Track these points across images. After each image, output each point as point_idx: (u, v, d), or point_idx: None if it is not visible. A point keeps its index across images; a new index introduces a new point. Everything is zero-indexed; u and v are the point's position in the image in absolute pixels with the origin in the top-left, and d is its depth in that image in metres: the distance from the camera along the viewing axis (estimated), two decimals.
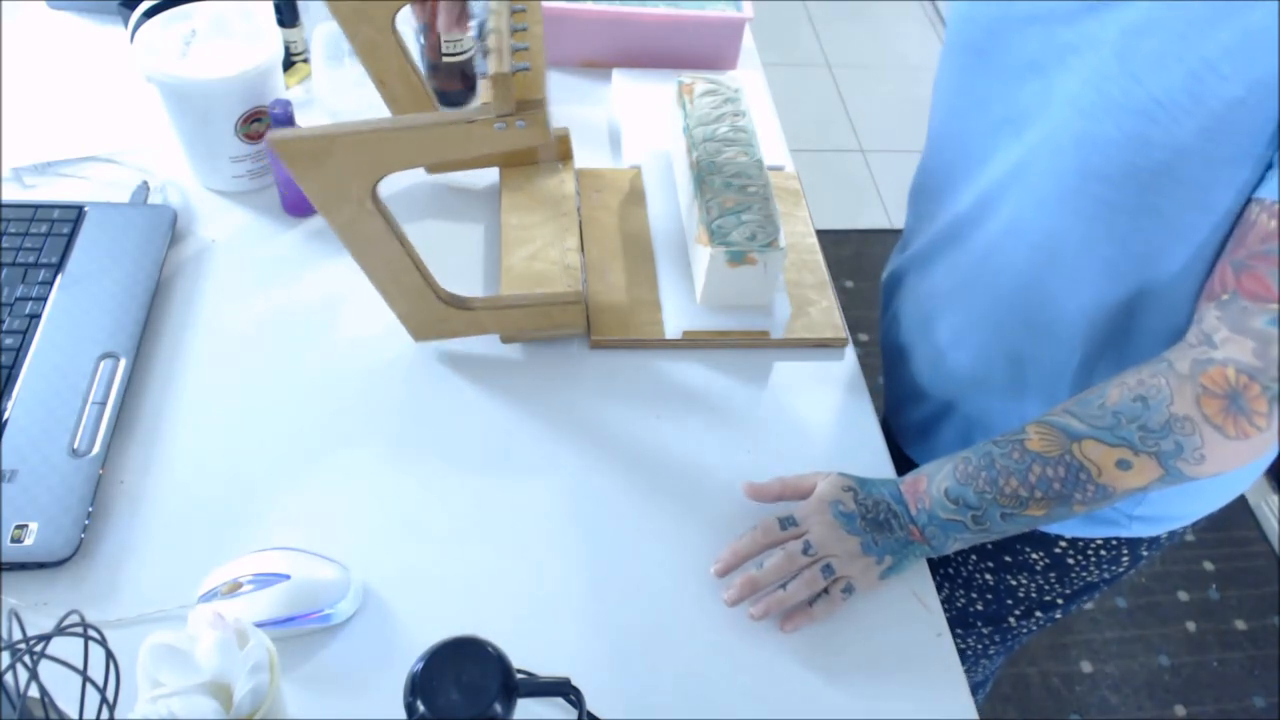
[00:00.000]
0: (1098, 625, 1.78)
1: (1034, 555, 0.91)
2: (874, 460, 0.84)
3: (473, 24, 0.83)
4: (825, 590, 0.71)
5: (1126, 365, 0.67)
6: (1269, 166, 0.59)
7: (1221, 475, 0.81)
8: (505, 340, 0.86)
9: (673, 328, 0.89)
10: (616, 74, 1.12)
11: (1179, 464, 0.64)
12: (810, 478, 0.76)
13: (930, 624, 0.74)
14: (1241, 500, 1.98)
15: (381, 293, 0.80)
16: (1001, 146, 0.73)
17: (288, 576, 0.67)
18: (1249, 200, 0.61)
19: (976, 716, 0.70)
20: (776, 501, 0.76)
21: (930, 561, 0.78)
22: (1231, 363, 0.60)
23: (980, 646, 1.07)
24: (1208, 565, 1.89)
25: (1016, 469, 0.67)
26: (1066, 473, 0.66)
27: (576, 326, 0.86)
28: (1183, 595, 1.84)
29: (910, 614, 0.74)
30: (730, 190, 0.87)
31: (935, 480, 0.71)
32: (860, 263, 2.20)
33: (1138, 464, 0.64)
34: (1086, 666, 1.72)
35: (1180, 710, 1.69)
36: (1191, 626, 1.79)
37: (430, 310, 0.81)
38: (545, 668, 0.66)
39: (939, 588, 1.01)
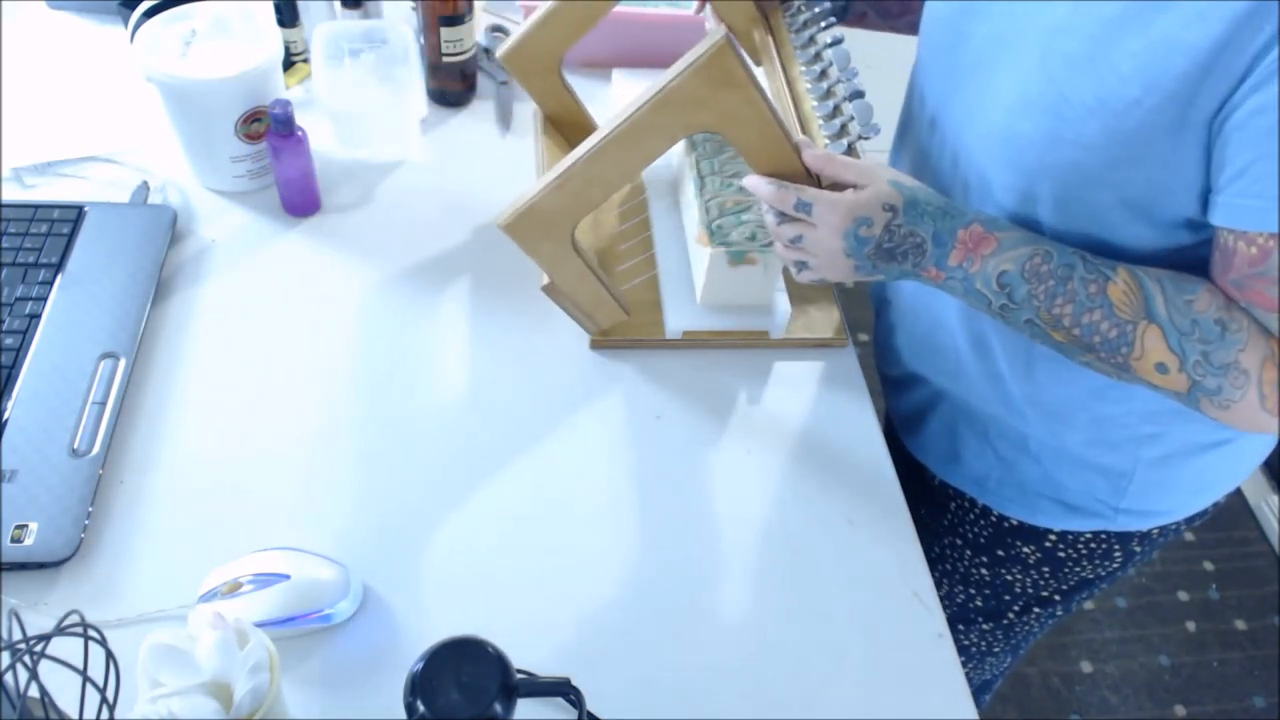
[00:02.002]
0: (1098, 625, 1.78)
1: (1025, 549, 0.92)
2: (874, 460, 0.84)
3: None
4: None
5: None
6: (1166, 168, 0.61)
7: (1202, 471, 0.82)
8: (545, 289, 0.83)
9: (673, 328, 0.89)
10: (616, 74, 1.12)
11: (1204, 399, 0.64)
12: (856, 173, 0.69)
13: (930, 624, 0.74)
14: (1241, 500, 1.98)
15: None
16: (949, 142, 0.75)
17: (288, 576, 0.67)
18: (1215, 226, 0.62)
19: (976, 717, 0.70)
20: (811, 169, 0.72)
21: (928, 558, 0.78)
22: None
23: (984, 644, 1.07)
24: (1208, 565, 1.89)
25: (1082, 300, 0.65)
26: (1117, 336, 0.64)
27: (596, 325, 0.87)
28: (1183, 595, 1.84)
29: (910, 614, 0.74)
30: (730, 190, 0.87)
31: (1001, 254, 0.66)
32: None
33: (1173, 376, 0.64)
34: (1086, 666, 1.72)
35: (1180, 710, 1.69)
36: (1191, 626, 1.79)
37: (555, 204, 0.76)
38: (545, 668, 0.66)
39: (938, 584, 1.01)
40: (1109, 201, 0.65)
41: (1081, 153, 0.63)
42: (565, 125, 0.98)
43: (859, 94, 0.77)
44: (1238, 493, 1.98)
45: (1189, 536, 1.92)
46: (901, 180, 0.69)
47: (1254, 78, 0.55)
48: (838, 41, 0.82)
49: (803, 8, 0.89)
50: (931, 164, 0.78)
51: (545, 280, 0.82)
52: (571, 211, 0.76)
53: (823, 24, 0.85)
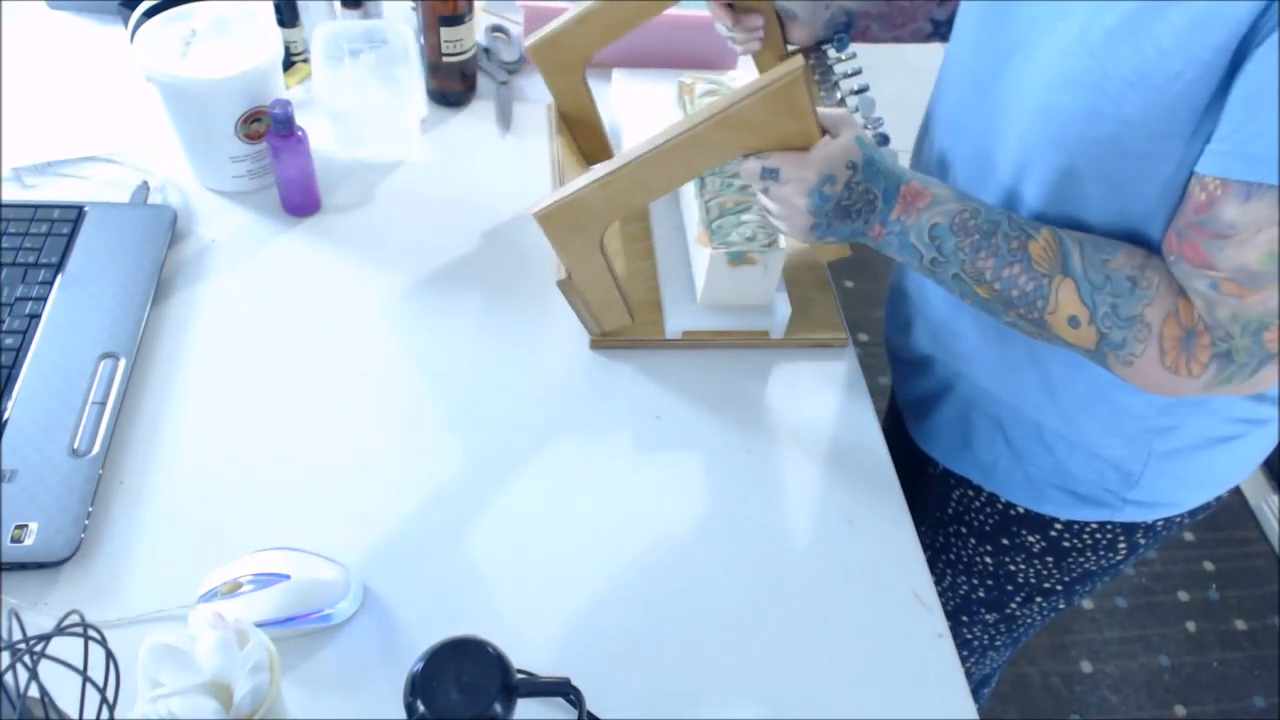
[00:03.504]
0: (1098, 625, 1.78)
1: (1030, 538, 0.92)
2: (874, 460, 0.84)
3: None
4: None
5: None
6: (1206, 141, 0.61)
7: (1211, 465, 0.83)
8: (561, 284, 0.83)
9: (673, 328, 0.89)
10: (616, 74, 1.12)
11: (1110, 354, 0.66)
12: (830, 121, 0.72)
13: (930, 624, 0.74)
14: (1241, 500, 1.98)
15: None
16: (988, 122, 0.75)
17: (288, 576, 0.67)
18: (1191, 173, 0.63)
19: (976, 717, 0.70)
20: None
21: (931, 548, 0.78)
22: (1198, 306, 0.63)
23: (986, 637, 1.07)
24: (1208, 565, 1.89)
25: (1004, 255, 0.68)
26: (1034, 290, 0.67)
27: (600, 327, 0.87)
28: (1183, 595, 1.84)
29: (910, 614, 0.74)
30: (730, 190, 0.87)
31: (934, 208, 0.70)
32: (860, 263, 2.19)
33: (1082, 330, 0.66)
34: (1086, 666, 1.72)
35: (1180, 710, 1.69)
36: (1191, 626, 1.79)
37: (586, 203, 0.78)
38: (545, 668, 0.66)
39: (941, 575, 1.01)
40: (1149, 176, 0.65)
41: (1121, 127, 0.64)
42: (575, 124, 0.98)
43: (884, 139, 0.78)
44: (1238, 492, 1.98)
45: (1189, 536, 1.92)
46: (864, 137, 0.71)
47: (1272, 36, 0.55)
48: (863, 90, 0.83)
49: (829, 54, 0.91)
50: (972, 144, 0.78)
51: (561, 275, 0.82)
52: (610, 210, 0.77)
53: (849, 71, 0.87)
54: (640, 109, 1.08)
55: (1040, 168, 0.70)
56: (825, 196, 0.71)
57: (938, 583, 1.02)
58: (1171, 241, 0.64)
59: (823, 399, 0.88)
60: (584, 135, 0.99)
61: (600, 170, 0.74)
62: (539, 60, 0.93)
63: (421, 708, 0.55)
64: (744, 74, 1.17)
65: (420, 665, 0.56)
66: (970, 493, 0.94)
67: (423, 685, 0.55)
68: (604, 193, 0.75)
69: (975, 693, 1.25)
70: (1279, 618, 1.82)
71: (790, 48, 0.93)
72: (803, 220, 0.73)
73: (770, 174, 0.72)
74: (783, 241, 0.85)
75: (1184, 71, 0.59)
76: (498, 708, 0.55)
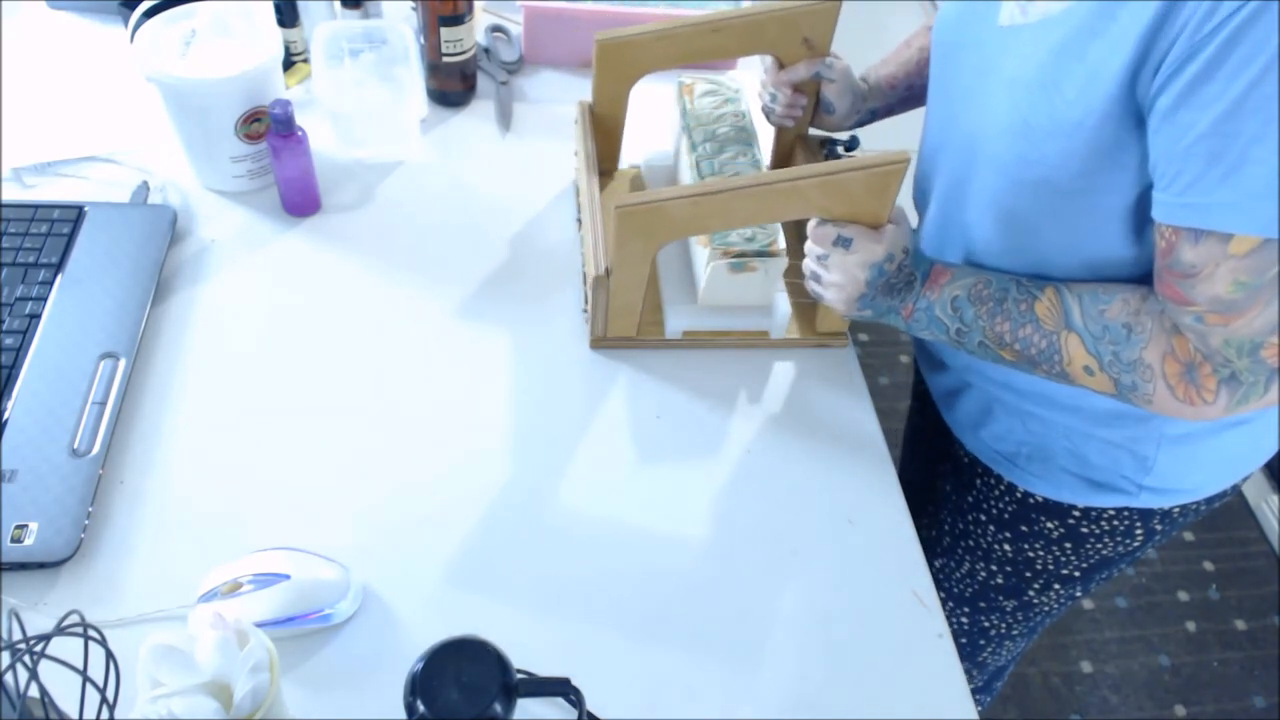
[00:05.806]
0: (1098, 625, 1.78)
1: (1049, 524, 0.93)
2: (874, 460, 0.84)
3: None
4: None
5: None
6: (1134, 171, 0.66)
7: (1225, 449, 0.85)
8: (596, 280, 0.83)
9: (673, 328, 0.89)
10: None
11: (1129, 394, 0.70)
12: (894, 212, 0.78)
13: (930, 624, 0.74)
14: (1241, 500, 1.98)
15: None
16: (952, 167, 0.80)
17: (288, 576, 0.67)
18: (1134, 197, 0.68)
19: (976, 717, 0.70)
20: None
21: (951, 534, 0.79)
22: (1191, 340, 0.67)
23: (1004, 626, 1.08)
24: (1208, 565, 1.89)
25: (1016, 317, 0.73)
26: (1047, 346, 0.72)
27: (605, 330, 0.87)
28: (1183, 595, 1.84)
29: (910, 614, 0.74)
30: None
31: (954, 283, 0.76)
32: None
33: (1098, 377, 0.71)
34: (1086, 666, 1.72)
35: (1180, 710, 1.69)
36: (1191, 626, 1.79)
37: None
38: (545, 668, 0.66)
39: (960, 562, 1.03)
40: (1088, 209, 0.70)
41: (1048, 171, 0.69)
42: (599, 127, 0.98)
43: None
44: (1238, 492, 1.98)
45: (1189, 536, 1.92)
46: (911, 226, 0.79)
47: (1168, 91, 0.59)
48: None
49: (838, 150, 0.96)
50: (943, 185, 0.82)
51: (600, 271, 0.82)
52: (685, 226, 0.79)
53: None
54: (640, 108, 1.08)
55: (995, 209, 0.76)
56: (883, 272, 0.76)
57: (956, 569, 1.04)
58: (1156, 285, 0.68)
59: (823, 399, 0.88)
60: (601, 140, 0.99)
61: (693, 187, 0.77)
62: (601, 58, 0.92)
63: (421, 708, 0.55)
64: (744, 74, 1.17)
65: (420, 665, 0.56)
66: (991, 480, 0.96)
67: (423, 685, 0.55)
68: (690, 209, 0.77)
69: (989, 685, 1.26)
70: (1279, 618, 1.82)
71: (812, 132, 0.98)
72: (854, 290, 0.78)
73: (844, 242, 0.77)
74: (782, 243, 0.85)
75: (1085, 120, 0.64)
76: (498, 707, 0.55)
